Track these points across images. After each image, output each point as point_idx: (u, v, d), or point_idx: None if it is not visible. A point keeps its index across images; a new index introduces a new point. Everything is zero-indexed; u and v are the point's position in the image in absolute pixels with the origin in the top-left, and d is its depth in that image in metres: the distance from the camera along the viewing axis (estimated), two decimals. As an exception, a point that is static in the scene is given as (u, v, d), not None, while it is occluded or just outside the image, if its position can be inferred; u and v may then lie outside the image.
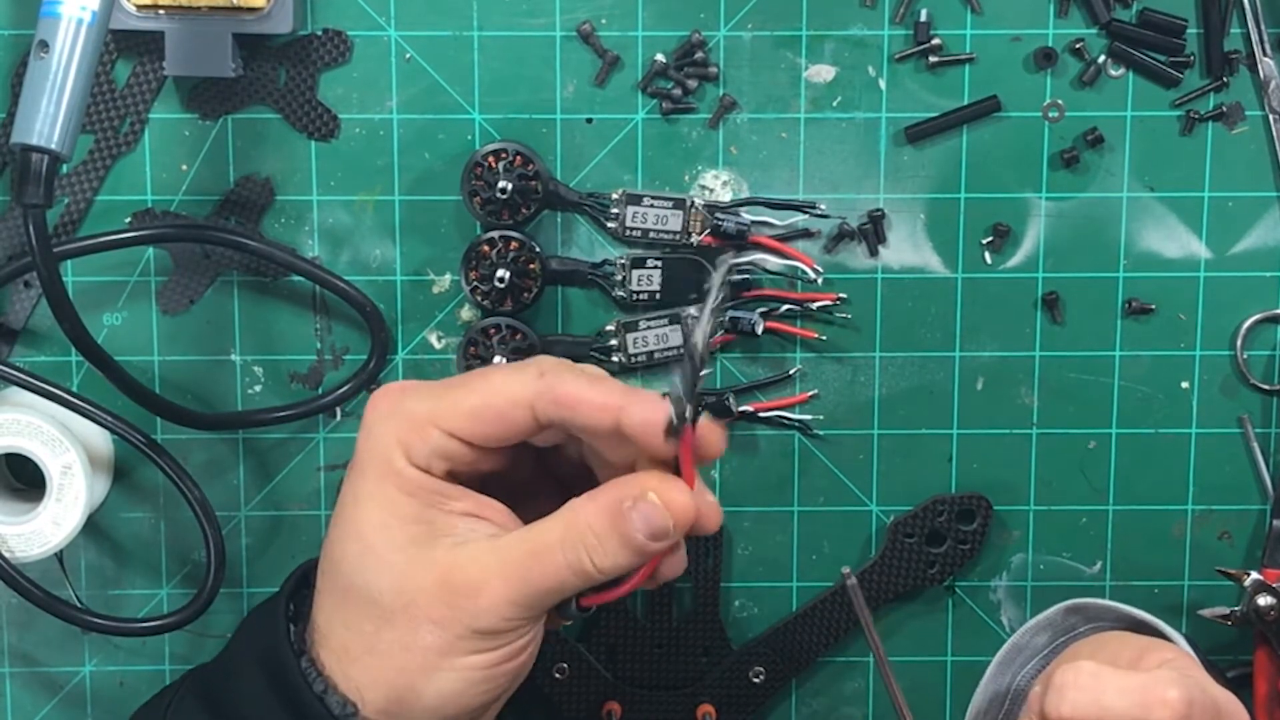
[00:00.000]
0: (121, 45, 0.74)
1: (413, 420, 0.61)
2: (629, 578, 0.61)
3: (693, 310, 0.57)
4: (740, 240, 0.75)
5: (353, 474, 0.62)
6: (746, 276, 0.76)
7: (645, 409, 0.58)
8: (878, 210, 0.76)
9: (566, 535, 0.59)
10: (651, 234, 0.75)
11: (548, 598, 0.60)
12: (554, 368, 0.61)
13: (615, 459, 0.62)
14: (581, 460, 0.64)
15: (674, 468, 0.59)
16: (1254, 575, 0.76)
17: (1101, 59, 0.76)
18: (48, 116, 0.64)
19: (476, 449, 0.61)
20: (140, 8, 0.71)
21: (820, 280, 0.76)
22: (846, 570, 0.70)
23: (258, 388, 0.77)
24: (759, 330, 0.76)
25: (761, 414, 0.77)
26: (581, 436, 0.61)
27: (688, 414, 0.57)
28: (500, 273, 0.74)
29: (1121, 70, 0.76)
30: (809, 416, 0.78)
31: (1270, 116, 0.76)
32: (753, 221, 0.75)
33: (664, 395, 0.58)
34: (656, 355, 0.76)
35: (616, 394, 0.60)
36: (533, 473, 0.65)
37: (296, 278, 0.76)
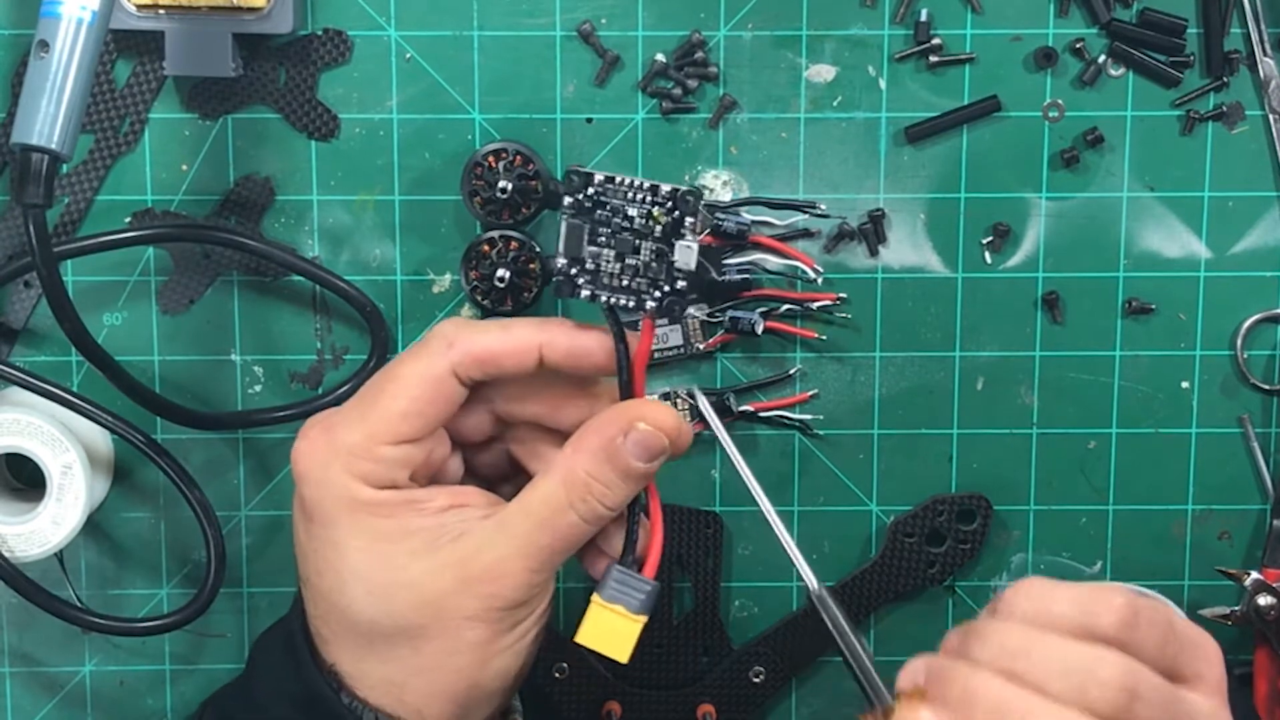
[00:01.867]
0: (121, 45, 0.74)
1: (354, 450, 0.60)
2: (649, 520, 0.62)
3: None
4: (740, 240, 0.75)
5: (316, 525, 0.61)
6: (747, 276, 0.76)
7: (567, 337, 0.60)
8: (878, 210, 0.76)
9: (572, 492, 0.60)
10: (651, 234, 0.75)
11: (568, 553, 0.61)
12: (458, 332, 0.61)
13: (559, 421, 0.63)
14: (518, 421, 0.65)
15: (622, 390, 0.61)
16: (1254, 575, 0.76)
17: (1102, 59, 0.76)
18: (48, 116, 0.64)
19: (426, 441, 0.61)
20: (140, 7, 0.71)
21: (820, 280, 0.76)
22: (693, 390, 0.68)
23: (258, 387, 0.77)
24: (759, 330, 0.76)
25: (761, 414, 0.77)
26: (507, 386, 0.63)
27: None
28: (500, 272, 0.74)
29: (1121, 70, 0.76)
30: (809, 416, 0.78)
31: (1270, 116, 0.76)
32: (753, 221, 0.75)
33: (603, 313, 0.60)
34: (655, 355, 0.76)
35: (531, 331, 0.61)
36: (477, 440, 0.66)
37: (296, 277, 0.76)
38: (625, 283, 0.60)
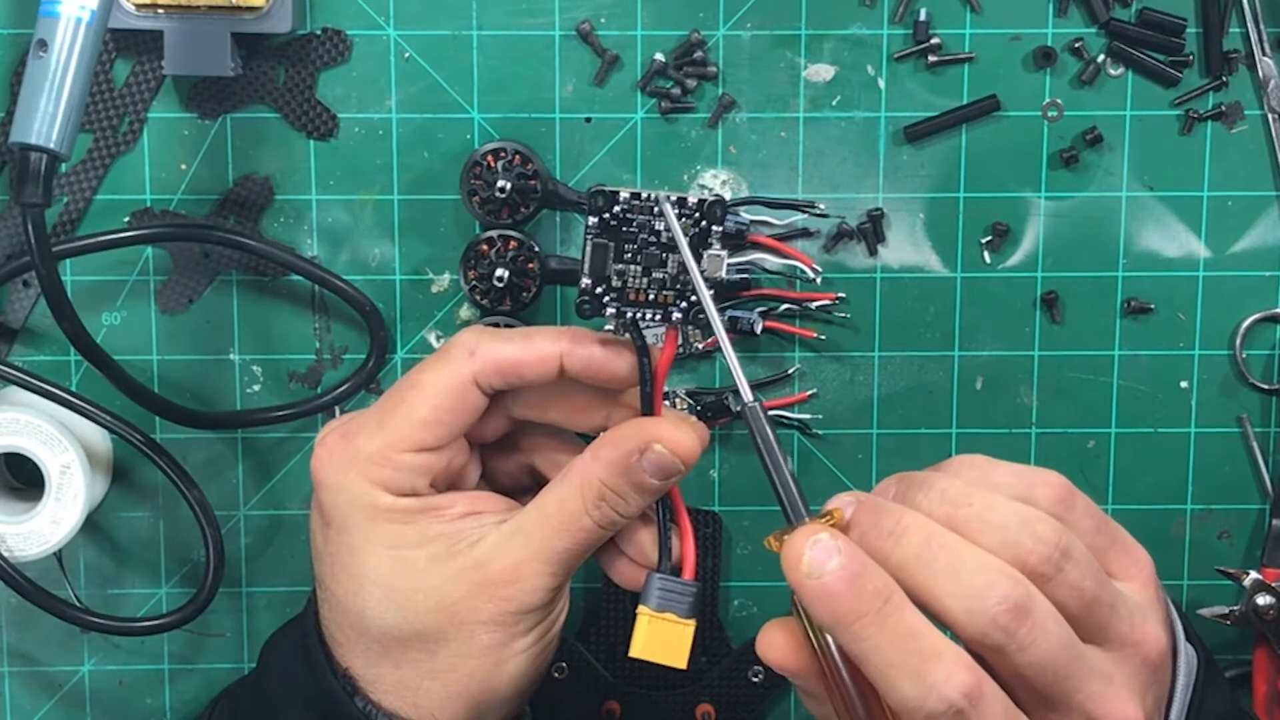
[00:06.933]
0: (120, 44, 0.74)
1: (374, 458, 0.60)
2: (679, 524, 0.62)
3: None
4: (740, 240, 0.75)
5: (334, 530, 0.61)
6: (745, 276, 0.76)
7: (588, 349, 0.60)
8: (877, 209, 0.76)
9: (587, 498, 0.60)
10: (650, 233, 0.75)
11: (583, 557, 0.61)
12: (480, 341, 0.61)
13: (573, 424, 0.63)
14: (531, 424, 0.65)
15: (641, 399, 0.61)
16: (1253, 574, 0.76)
17: (1101, 58, 0.76)
18: (46, 115, 0.64)
19: (447, 449, 0.61)
20: (139, 7, 0.71)
21: (819, 280, 0.76)
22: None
23: (257, 387, 0.77)
24: (758, 330, 0.76)
25: (760, 413, 0.77)
26: (530, 394, 0.63)
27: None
28: (499, 272, 0.74)
29: (1121, 69, 0.76)
30: (808, 416, 0.78)
31: (1269, 116, 0.76)
32: (752, 221, 0.75)
33: (609, 328, 0.60)
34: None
35: (553, 341, 0.61)
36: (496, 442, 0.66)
37: (295, 277, 0.76)
38: (651, 296, 0.60)
